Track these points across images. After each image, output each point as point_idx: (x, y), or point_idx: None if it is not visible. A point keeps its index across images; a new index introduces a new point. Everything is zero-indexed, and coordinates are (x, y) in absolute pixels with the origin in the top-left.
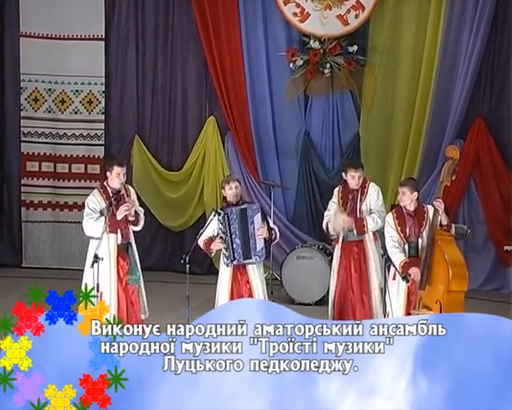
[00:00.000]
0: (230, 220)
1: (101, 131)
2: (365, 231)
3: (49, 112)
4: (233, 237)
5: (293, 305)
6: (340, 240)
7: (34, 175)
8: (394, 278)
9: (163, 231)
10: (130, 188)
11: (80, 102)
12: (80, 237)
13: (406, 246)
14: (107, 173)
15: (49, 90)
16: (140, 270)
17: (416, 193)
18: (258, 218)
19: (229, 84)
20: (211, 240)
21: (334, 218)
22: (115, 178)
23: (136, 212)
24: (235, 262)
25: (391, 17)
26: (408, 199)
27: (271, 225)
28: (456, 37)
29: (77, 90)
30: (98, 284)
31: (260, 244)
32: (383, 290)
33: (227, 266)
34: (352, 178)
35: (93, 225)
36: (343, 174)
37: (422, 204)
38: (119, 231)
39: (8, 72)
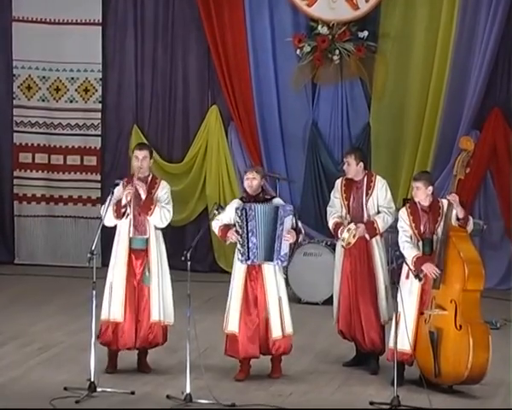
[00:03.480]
0: (248, 217)
1: (97, 121)
2: (377, 233)
3: (43, 100)
4: (249, 234)
5: (300, 304)
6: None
7: (27, 167)
8: (407, 277)
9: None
10: (163, 182)
11: (76, 90)
12: (76, 233)
13: (420, 243)
14: None
15: (43, 77)
16: (156, 270)
17: (430, 187)
18: (289, 220)
19: (233, 72)
20: (227, 227)
21: (345, 233)
22: (134, 162)
23: (150, 200)
24: (249, 262)
25: (403, 1)
26: (423, 194)
27: (300, 225)
28: (472, 21)
29: (72, 78)
30: (95, 283)
31: (285, 249)
32: (389, 289)
33: (241, 262)
34: (348, 165)
35: (106, 214)
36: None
37: (437, 199)
38: (129, 218)
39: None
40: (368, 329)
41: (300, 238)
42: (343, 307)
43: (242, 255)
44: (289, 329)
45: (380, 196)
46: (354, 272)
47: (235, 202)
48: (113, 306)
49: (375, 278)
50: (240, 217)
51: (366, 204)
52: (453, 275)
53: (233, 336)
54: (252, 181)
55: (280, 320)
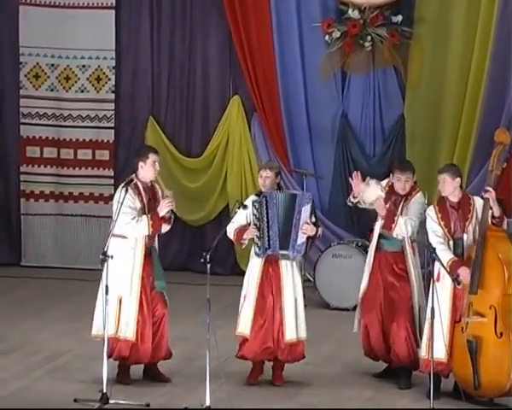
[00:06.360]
0: (269, 204)
1: (110, 113)
2: (391, 228)
3: (52, 90)
4: (270, 223)
5: (329, 310)
6: (374, 247)
7: (35, 162)
8: (438, 280)
9: (180, 226)
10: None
11: (87, 78)
12: (87, 233)
13: (451, 243)
14: (140, 164)
15: (52, 65)
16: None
17: (458, 179)
18: (307, 209)
19: (257, 60)
20: (244, 229)
21: (369, 187)
22: (151, 167)
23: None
24: (269, 251)
25: None
26: (450, 186)
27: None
28: None
29: (83, 66)
30: (107, 286)
31: (302, 239)
32: (422, 304)
33: (258, 256)
34: (398, 181)
35: (136, 227)
36: (390, 175)
37: (468, 195)
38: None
39: (5, 45)
40: (392, 342)
41: (319, 232)
42: (364, 327)
43: (261, 248)
44: (303, 333)
45: (412, 206)
46: (383, 293)
47: (251, 198)
48: (127, 321)
49: (409, 299)
50: (258, 208)
51: (400, 213)
52: (492, 279)
53: (244, 339)
54: (265, 180)
55: (295, 323)
